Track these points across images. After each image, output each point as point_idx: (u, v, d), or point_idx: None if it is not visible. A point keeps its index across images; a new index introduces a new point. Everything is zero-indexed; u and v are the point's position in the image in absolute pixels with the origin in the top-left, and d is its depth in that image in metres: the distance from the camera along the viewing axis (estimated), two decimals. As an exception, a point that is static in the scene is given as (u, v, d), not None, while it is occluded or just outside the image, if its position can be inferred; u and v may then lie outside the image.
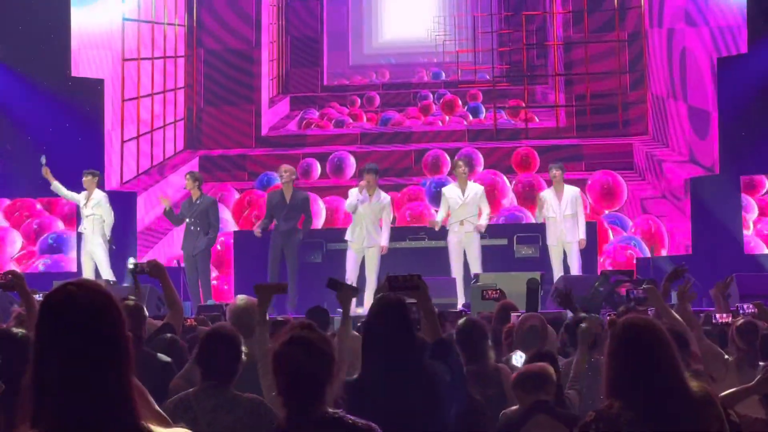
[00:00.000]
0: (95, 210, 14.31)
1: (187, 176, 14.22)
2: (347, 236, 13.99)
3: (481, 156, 20.49)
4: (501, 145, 21.58)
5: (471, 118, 23.27)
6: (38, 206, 18.74)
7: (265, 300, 5.76)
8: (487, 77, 24.34)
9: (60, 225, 18.30)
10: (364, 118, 23.96)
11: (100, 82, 17.98)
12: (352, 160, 21.01)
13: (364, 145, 22.01)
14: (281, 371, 3.68)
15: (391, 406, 4.56)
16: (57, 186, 14.43)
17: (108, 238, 14.32)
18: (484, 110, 23.88)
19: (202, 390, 5.03)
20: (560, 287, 10.97)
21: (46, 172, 14.04)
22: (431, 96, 24.49)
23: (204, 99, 22.75)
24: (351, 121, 23.67)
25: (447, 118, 23.58)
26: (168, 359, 6.03)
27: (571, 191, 14.30)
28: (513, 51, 23.46)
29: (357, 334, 6.59)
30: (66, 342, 2.47)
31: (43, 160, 13.77)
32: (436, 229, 14.09)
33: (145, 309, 6.72)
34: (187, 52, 22.72)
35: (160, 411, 3.40)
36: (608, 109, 21.46)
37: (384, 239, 13.87)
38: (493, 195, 17.70)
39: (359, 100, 24.65)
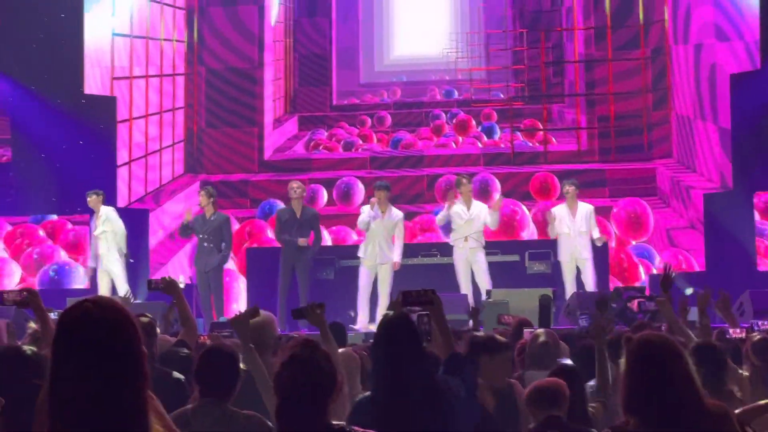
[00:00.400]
0: (105, 226, 15.03)
1: (202, 192, 15.06)
2: (360, 253, 14.85)
3: (497, 182, 20.51)
4: (518, 170, 21.66)
5: (485, 139, 23.86)
6: (41, 233, 19.06)
7: (246, 330, 5.93)
8: (501, 96, 24.88)
9: (63, 254, 18.43)
10: (375, 139, 24.47)
11: (112, 100, 18.74)
12: (360, 186, 20.97)
13: (373, 169, 22.10)
14: (280, 390, 3.88)
15: (403, 422, 4.80)
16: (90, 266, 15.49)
17: (124, 251, 15.15)
18: (498, 131, 24.36)
19: (200, 406, 5.28)
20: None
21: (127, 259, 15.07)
22: (444, 116, 25.06)
23: (205, 120, 22.99)
24: (361, 142, 24.16)
25: (460, 139, 24.05)
26: (181, 377, 6.39)
27: (584, 208, 15.06)
28: (529, 69, 23.89)
29: (351, 352, 7.36)
30: (82, 358, 2.62)
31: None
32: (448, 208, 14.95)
33: (156, 326, 7.53)
34: (187, 70, 22.85)
35: (176, 429, 3.60)
36: (631, 131, 21.61)
37: (397, 255, 14.73)
38: (512, 227, 18.27)
39: (369, 120, 25.16)
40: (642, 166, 21.11)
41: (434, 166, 21.97)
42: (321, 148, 23.67)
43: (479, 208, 14.84)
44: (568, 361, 6.74)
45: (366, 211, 14.60)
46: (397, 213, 14.78)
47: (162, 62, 21.90)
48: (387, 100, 26.18)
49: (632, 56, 21.69)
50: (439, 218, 15.11)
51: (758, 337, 7.66)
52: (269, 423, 5.09)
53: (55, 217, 19.40)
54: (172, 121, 21.78)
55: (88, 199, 14.99)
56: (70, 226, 19.38)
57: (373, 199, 14.70)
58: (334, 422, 3.89)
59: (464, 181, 14.94)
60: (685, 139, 20.14)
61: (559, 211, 15.02)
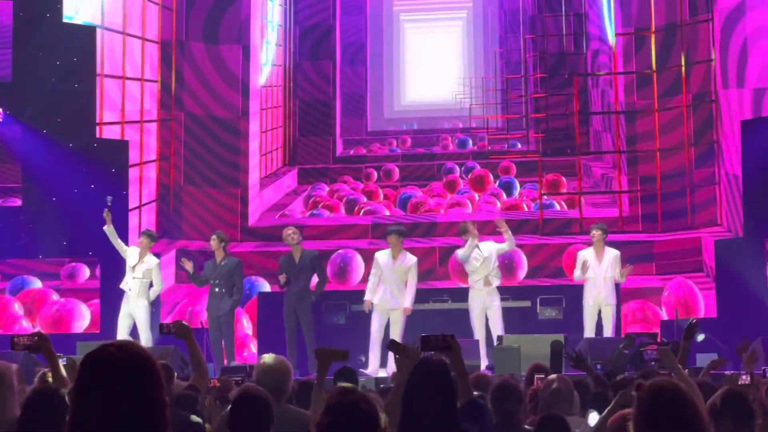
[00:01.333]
0: (146, 275, 17.29)
1: (214, 237, 17.57)
2: (371, 298, 17.02)
3: (523, 256, 20.79)
4: (550, 241, 21.83)
5: (504, 197, 24.67)
6: (54, 297, 20.67)
7: (326, 365, 6.84)
8: (519, 146, 25.89)
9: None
10: (381, 195, 25.32)
11: (125, 143, 20.60)
12: (359, 260, 21.22)
13: (375, 239, 22.01)
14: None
15: None
16: (111, 230, 17.18)
17: (151, 303, 17.40)
18: (518, 186, 25.19)
19: None
20: (575, 350, 12.60)
21: (107, 214, 16.71)
22: (458, 169, 26.04)
23: (184, 175, 23.15)
24: (365, 199, 25.06)
25: (477, 196, 24.75)
26: (199, 420, 7.22)
27: (612, 253, 17.19)
28: (550, 117, 24.64)
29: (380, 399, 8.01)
30: (105, 402, 2.97)
31: (109, 200, 16.74)
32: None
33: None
34: (160, 115, 22.87)
35: None
36: (675, 194, 21.87)
37: (408, 301, 16.93)
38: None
39: (376, 173, 26.02)
40: (687, 235, 21.36)
41: (448, 235, 21.86)
42: (321, 206, 24.59)
43: (488, 245, 17.14)
44: (595, 414, 7.59)
45: (378, 261, 16.92)
46: (410, 258, 17.04)
47: (125, 104, 21.57)
48: (396, 151, 27.29)
49: (672, 104, 21.96)
50: (462, 254, 17.02)
51: None
52: None
53: (39, 284, 21.25)
54: (139, 177, 21.48)
55: (142, 239, 17.32)
56: (54, 297, 20.78)
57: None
58: None
59: (470, 227, 17.23)
60: (734, 202, 20.05)
61: (587, 254, 17.18)
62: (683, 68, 21.72)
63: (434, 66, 28.00)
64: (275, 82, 25.46)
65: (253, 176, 24.06)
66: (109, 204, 13.87)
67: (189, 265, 17.29)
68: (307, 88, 26.55)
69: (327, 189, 25.64)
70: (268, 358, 7.37)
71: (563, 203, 24.29)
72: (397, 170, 26.07)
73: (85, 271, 21.89)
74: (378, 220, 23.10)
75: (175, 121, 22.99)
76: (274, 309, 17.78)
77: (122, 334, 16.96)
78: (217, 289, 17.07)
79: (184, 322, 7.99)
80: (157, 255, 17.97)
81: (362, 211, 24.31)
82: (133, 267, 17.13)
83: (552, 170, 24.29)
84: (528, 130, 25.46)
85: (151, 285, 17.21)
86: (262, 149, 24.90)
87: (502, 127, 26.25)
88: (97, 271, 20.27)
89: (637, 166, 22.64)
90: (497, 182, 25.19)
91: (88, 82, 19.74)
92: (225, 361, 16.59)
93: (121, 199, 19.26)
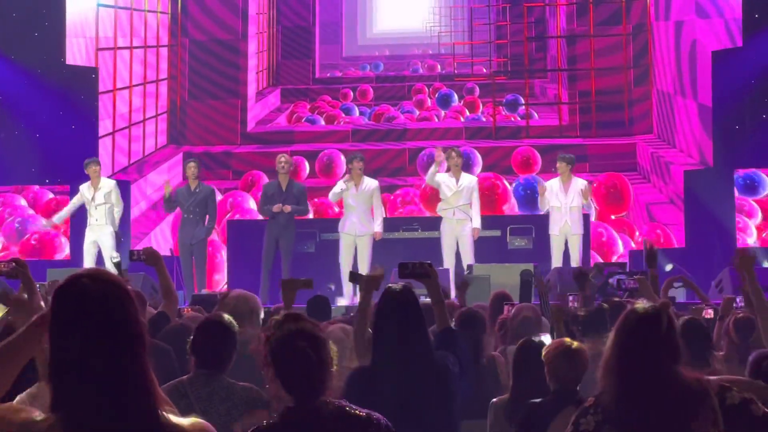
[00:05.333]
0: (107, 199, 15.59)
1: (192, 164, 15.61)
2: (339, 227, 15.37)
3: (479, 155, 21.20)
4: (500, 144, 22.43)
5: (468, 113, 24.83)
6: (22, 202, 19.67)
7: (291, 294, 6.45)
8: (484, 70, 25.57)
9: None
10: (357, 112, 25.28)
11: (93, 71, 19.42)
12: (342, 159, 21.34)
13: (355, 142, 22.78)
14: (285, 361, 3.90)
15: (400, 397, 5.01)
16: (60, 216, 16.16)
17: (116, 229, 15.66)
18: (456, 97, 25.63)
19: (195, 377, 5.46)
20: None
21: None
22: (426, 90, 25.91)
23: (188, 92, 23.66)
24: (344, 115, 24.94)
25: (443, 113, 25.09)
26: (167, 347, 6.62)
27: (579, 183, 15.66)
28: (511, 43, 24.72)
29: (348, 326, 7.45)
30: (82, 333, 2.78)
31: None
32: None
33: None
34: (170, 41, 23.54)
35: (167, 398, 3.64)
36: (613, 107, 22.35)
37: (377, 225, 15.28)
38: (492, 200, 18.80)
39: (351, 94, 26.06)
40: (622, 142, 21.90)
41: (416, 140, 22.84)
42: (303, 120, 24.46)
43: (468, 180, 15.34)
44: (547, 337, 6.86)
45: (339, 185, 15.08)
46: (371, 182, 15.20)
47: (146, 33, 22.75)
48: (370, 74, 27.21)
49: (614, 32, 22.46)
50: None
51: (741, 315, 8.03)
52: (265, 394, 5.34)
53: (36, 186, 19.95)
54: (155, 92, 22.67)
55: (90, 168, 15.46)
56: (50, 195, 20.22)
57: (347, 175, 15.05)
58: (331, 399, 3.96)
59: (453, 153, 15.34)
60: (665, 115, 20.97)
61: (552, 184, 15.58)
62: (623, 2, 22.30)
63: None
64: (262, 10, 25.88)
65: (251, 89, 24.63)
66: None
67: (169, 188, 15.26)
68: (289, 15, 26.77)
69: (308, 106, 25.62)
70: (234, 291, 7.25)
71: (518, 117, 24.21)
72: (371, 90, 26.06)
73: (48, 197, 20.38)
74: (357, 127, 23.71)
75: (181, 46, 23.78)
76: (246, 236, 16.03)
77: (89, 262, 15.04)
78: (191, 216, 15.14)
79: (154, 249, 7.60)
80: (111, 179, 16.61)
81: (342, 122, 24.44)
82: (92, 198, 15.33)
83: (513, 91, 24.61)
84: (491, 55, 25.24)
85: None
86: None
87: (468, 53, 26.22)
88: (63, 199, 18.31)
89: (577, 83, 23.65)
90: (461, 102, 25.26)
91: (57, 6, 18.12)
92: (195, 289, 14.57)
93: (90, 127, 17.93)
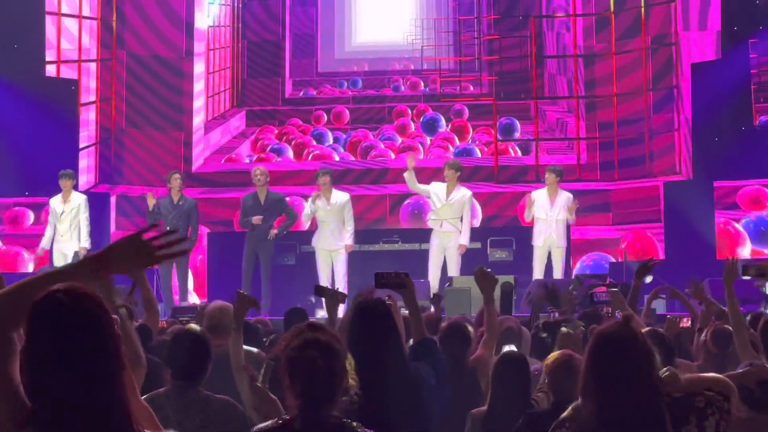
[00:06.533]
0: (74, 213, 17.32)
1: (177, 176, 17.70)
2: (313, 242, 17.61)
3: (478, 206, 20.24)
4: (504, 189, 21.81)
5: (457, 141, 24.51)
6: None
7: (243, 309, 7.20)
8: (471, 88, 25.55)
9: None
10: (330, 138, 25.31)
11: (74, 83, 20.58)
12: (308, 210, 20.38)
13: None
14: (295, 369, 4.35)
15: (374, 409, 5.35)
16: (45, 241, 17.33)
17: (87, 245, 17.28)
18: (444, 123, 24.88)
19: (171, 390, 6.25)
20: (545, 286, 13.13)
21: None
22: (410, 112, 25.83)
23: (126, 117, 22.86)
24: (314, 143, 25.05)
25: (428, 140, 24.78)
26: (157, 360, 7.23)
27: (564, 196, 17.64)
28: (503, 60, 24.50)
29: None
30: (58, 350, 3.07)
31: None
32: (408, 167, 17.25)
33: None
34: (101, 54, 22.51)
35: (148, 406, 4.08)
36: (633, 140, 21.77)
37: (348, 238, 17.41)
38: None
39: (325, 116, 25.84)
40: (645, 184, 21.12)
41: (399, 182, 20.72)
42: (269, 150, 24.51)
43: (461, 194, 17.38)
44: (513, 348, 7.92)
45: (308, 205, 17.43)
46: (342, 196, 17.53)
47: (80, 44, 21.45)
48: (347, 93, 26.97)
49: (631, 47, 21.98)
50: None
51: (720, 326, 8.80)
52: (242, 408, 6.24)
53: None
54: (86, 118, 21.43)
55: (61, 181, 17.18)
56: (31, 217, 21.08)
57: (314, 192, 17.41)
58: (337, 415, 4.44)
59: (446, 166, 17.42)
60: (689, 145, 20.02)
61: (539, 195, 17.59)
62: (642, 9, 21.76)
63: (386, 6, 27.49)
64: (223, 22, 25.48)
65: (198, 119, 23.79)
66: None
67: (152, 202, 17.25)
68: (255, 28, 26.25)
69: (275, 132, 25.53)
70: (215, 302, 7.91)
71: (517, 148, 24.23)
72: (347, 112, 25.92)
73: (29, 216, 21.38)
74: (327, 166, 21.87)
75: (117, 60, 22.66)
76: (225, 249, 18.15)
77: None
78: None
79: None
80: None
81: (311, 155, 24.35)
82: (61, 211, 17.17)
83: (505, 114, 24.12)
84: (481, 72, 25.29)
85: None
86: (208, 91, 24.70)
87: (454, 69, 25.98)
88: (42, 216, 19.92)
89: (596, 111, 22.70)
90: (449, 126, 25.22)
91: (36, 17, 19.48)
92: (176, 301, 16.87)
93: (72, 139, 19.47)
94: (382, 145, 24.47)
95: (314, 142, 24.93)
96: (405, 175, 17.25)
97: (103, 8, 22.17)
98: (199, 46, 23.76)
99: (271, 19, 26.17)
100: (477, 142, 24.53)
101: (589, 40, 22.82)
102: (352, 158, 24.23)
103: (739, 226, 19.46)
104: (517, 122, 24.10)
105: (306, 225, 17.81)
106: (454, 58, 25.88)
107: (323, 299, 7.78)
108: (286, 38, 26.45)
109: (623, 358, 4.36)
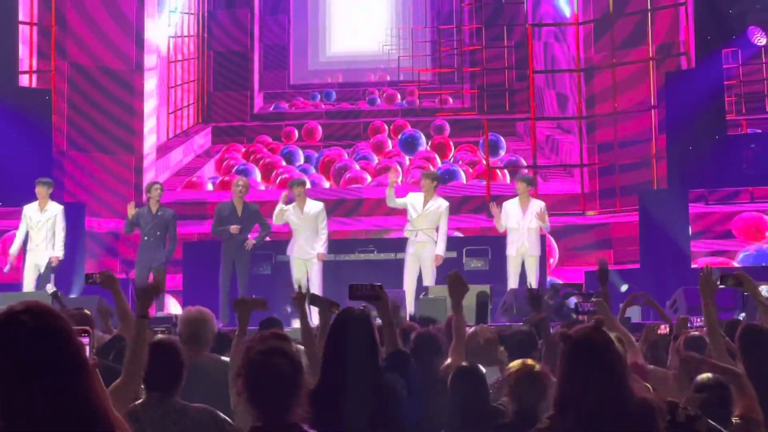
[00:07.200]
0: (50, 223, 17.85)
1: (158, 186, 18.63)
2: (288, 251, 18.86)
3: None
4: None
5: (439, 162, 24.17)
6: None
7: (246, 315, 7.42)
8: (451, 101, 25.56)
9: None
10: (302, 158, 25.30)
11: (47, 92, 20.59)
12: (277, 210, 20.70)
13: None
14: (260, 379, 4.67)
15: (346, 419, 5.77)
16: (15, 248, 17.79)
17: (60, 255, 17.99)
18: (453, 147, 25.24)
19: (147, 401, 6.62)
20: (532, 290, 13.83)
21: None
22: (386, 128, 25.67)
23: (67, 139, 22.42)
24: (284, 163, 25.02)
25: (407, 160, 24.52)
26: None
27: (536, 204, 18.62)
28: (487, 71, 24.22)
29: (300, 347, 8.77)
30: (22, 370, 3.11)
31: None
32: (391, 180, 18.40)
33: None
34: (39, 65, 21.61)
35: (121, 418, 3.95)
36: (636, 164, 22.04)
37: (320, 247, 18.41)
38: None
39: (296, 132, 25.60)
40: None
41: (376, 214, 21.48)
42: (234, 170, 24.26)
43: (437, 204, 18.38)
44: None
45: (278, 206, 18.37)
46: (316, 205, 18.70)
47: (27, 52, 20.83)
48: (321, 107, 26.83)
49: (633, 58, 22.13)
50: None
51: (692, 333, 9.08)
52: (221, 415, 6.51)
53: None
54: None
55: (37, 188, 17.68)
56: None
57: (284, 192, 18.86)
58: (298, 422, 4.73)
59: (423, 176, 18.39)
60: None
61: (509, 205, 18.66)
62: (649, 14, 22.29)
63: (362, 14, 27.44)
64: (187, 31, 24.70)
65: (150, 142, 23.29)
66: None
67: (132, 211, 18.00)
68: (222, 38, 25.62)
69: (242, 150, 25.10)
70: (191, 309, 8.02)
71: (506, 171, 23.99)
72: (319, 129, 25.59)
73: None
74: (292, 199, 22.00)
75: (57, 72, 21.77)
76: (201, 258, 19.41)
77: (28, 285, 17.83)
78: (151, 239, 18.17)
79: (110, 272, 8.51)
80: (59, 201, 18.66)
81: (279, 178, 24.45)
82: (37, 222, 17.88)
83: (489, 129, 23.53)
84: (462, 84, 25.35)
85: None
86: (170, 106, 24.27)
87: (433, 81, 25.83)
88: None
89: (595, 132, 22.65)
90: (428, 144, 24.94)
91: (8, 29, 19.34)
92: (152, 311, 17.47)
93: (47, 149, 19.88)
94: (357, 166, 24.45)
95: (283, 163, 24.90)
96: (387, 190, 17.92)
97: (41, 12, 21.35)
98: (150, 59, 23.09)
99: (239, 28, 25.95)
100: (460, 162, 24.65)
101: (587, 51, 22.48)
102: (325, 182, 24.02)
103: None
104: (503, 139, 24.26)
105: (277, 225, 18.27)
106: (433, 69, 25.90)
107: (318, 309, 7.69)
108: (255, 49, 26.39)
109: (599, 363, 4.50)
